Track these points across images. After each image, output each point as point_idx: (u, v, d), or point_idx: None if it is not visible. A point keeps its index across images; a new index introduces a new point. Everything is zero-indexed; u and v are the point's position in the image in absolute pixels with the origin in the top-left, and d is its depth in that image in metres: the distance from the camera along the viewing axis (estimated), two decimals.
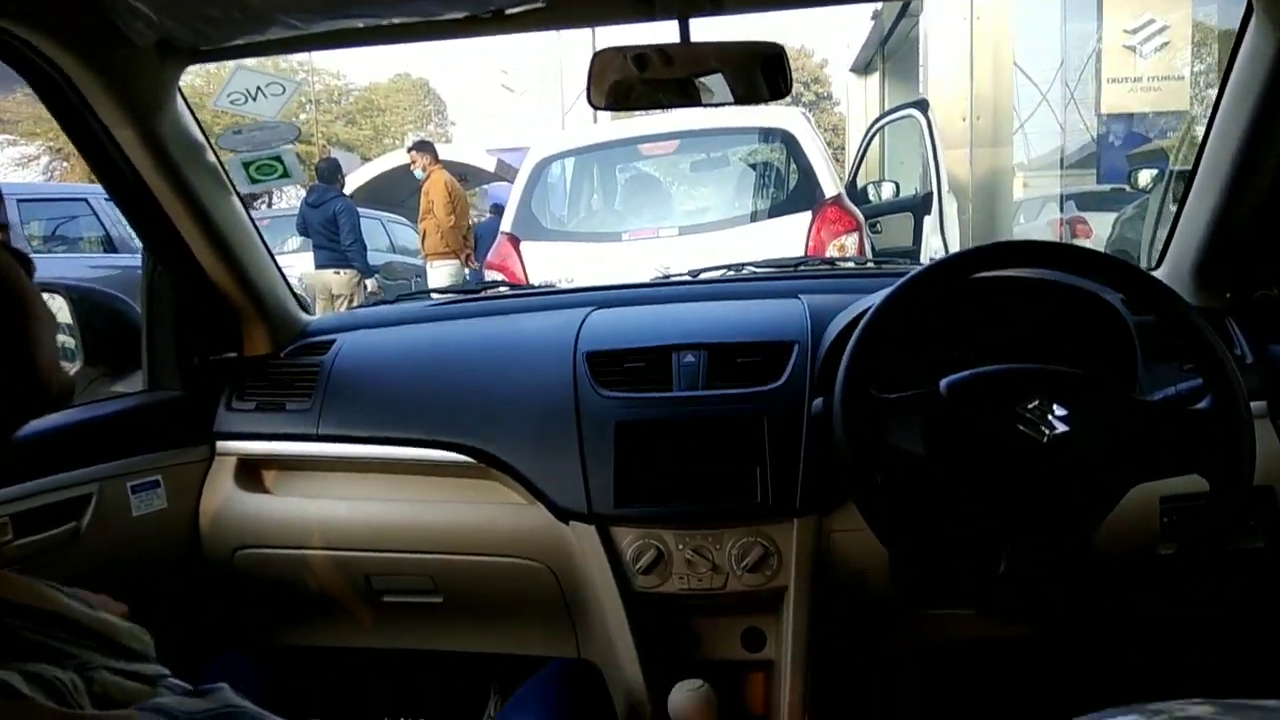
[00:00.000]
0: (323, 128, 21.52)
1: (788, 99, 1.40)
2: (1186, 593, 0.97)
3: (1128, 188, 7.29)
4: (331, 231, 6.56)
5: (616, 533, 1.28)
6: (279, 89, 1.42)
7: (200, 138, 1.38)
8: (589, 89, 1.22)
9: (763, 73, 1.22)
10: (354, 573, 1.43)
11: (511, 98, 20.74)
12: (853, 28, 14.68)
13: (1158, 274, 1.41)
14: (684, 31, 1.16)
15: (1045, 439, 0.99)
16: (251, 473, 1.50)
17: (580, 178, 5.01)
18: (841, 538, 1.28)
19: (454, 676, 1.67)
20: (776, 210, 4.14)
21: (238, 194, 1.49)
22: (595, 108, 1.24)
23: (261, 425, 1.48)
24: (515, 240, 4.13)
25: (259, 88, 1.43)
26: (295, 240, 8.40)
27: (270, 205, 18.42)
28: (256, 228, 1.53)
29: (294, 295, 1.65)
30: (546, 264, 3.94)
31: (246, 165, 1.48)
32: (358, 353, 1.53)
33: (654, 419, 1.30)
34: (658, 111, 4.02)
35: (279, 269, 1.60)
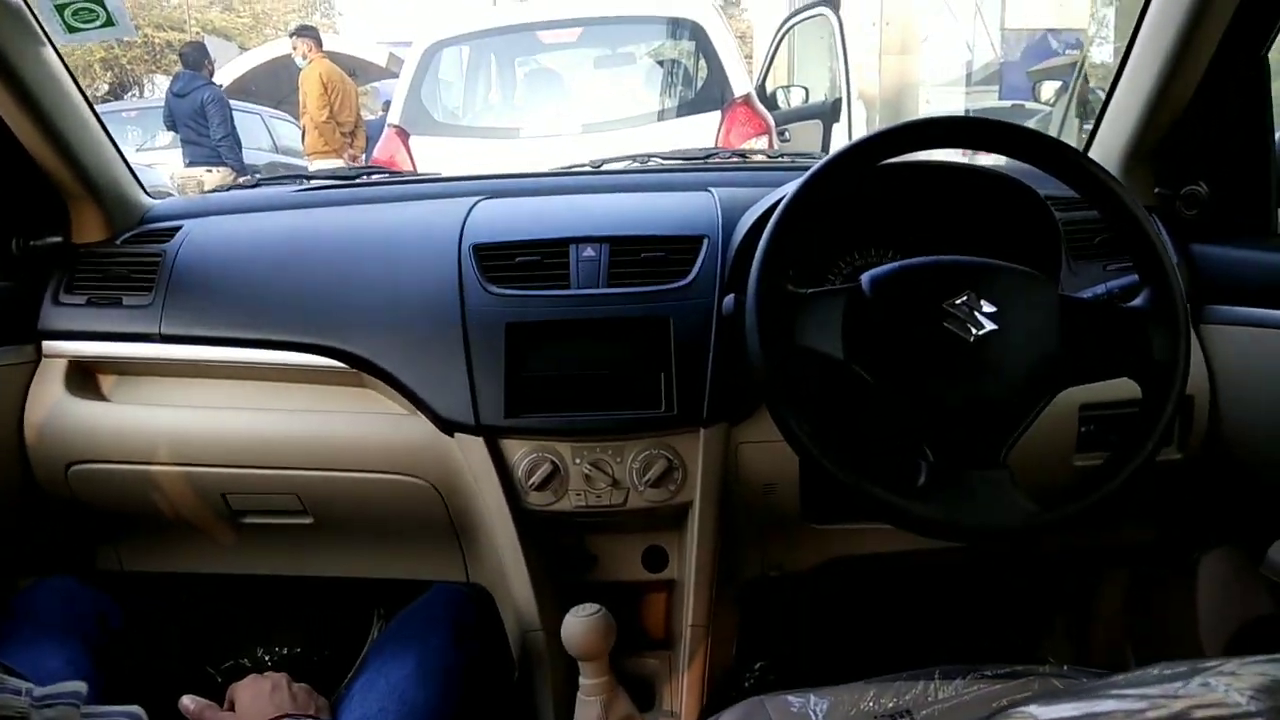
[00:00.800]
0: (196, 13, 19.75)
1: None
2: (1112, 507, 0.92)
3: (1027, 104, 7.42)
4: (200, 124, 6.12)
5: (507, 445, 1.18)
6: None
7: None
8: None
9: None
10: (208, 491, 1.28)
11: None
12: None
13: None
14: None
15: (972, 338, 0.91)
16: (85, 377, 1.32)
17: (476, 69, 4.69)
18: (750, 449, 1.20)
19: (333, 602, 1.54)
20: (684, 109, 4.00)
21: (54, 46, 1.26)
22: None
23: (95, 323, 1.30)
24: (404, 134, 3.84)
25: None
26: (167, 136, 7.83)
27: (141, 95, 16.98)
28: (81, 90, 1.31)
29: (133, 174, 1.44)
30: (437, 161, 3.70)
31: (60, 9, 1.24)
32: (207, 241, 1.35)
33: (549, 319, 1.19)
34: None
35: (113, 140, 1.39)
